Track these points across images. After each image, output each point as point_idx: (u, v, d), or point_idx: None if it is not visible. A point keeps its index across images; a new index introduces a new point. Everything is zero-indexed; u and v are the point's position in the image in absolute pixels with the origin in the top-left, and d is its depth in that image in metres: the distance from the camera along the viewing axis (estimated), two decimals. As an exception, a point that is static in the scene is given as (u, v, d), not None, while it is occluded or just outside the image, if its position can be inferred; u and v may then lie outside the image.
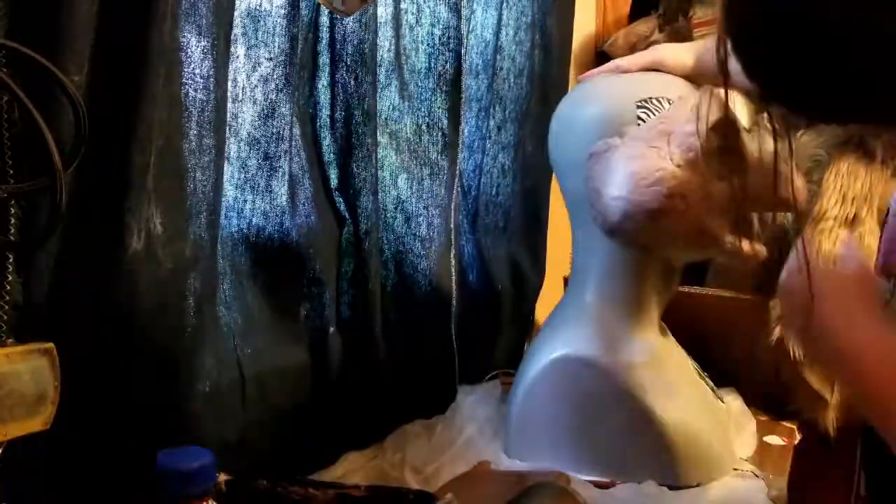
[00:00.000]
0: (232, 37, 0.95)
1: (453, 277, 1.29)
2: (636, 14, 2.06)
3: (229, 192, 1.03)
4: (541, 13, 1.51)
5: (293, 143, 1.08)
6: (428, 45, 1.24)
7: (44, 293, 0.74)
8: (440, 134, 1.25)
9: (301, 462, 1.03)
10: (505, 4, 1.45)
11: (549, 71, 1.54)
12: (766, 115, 1.88)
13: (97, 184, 0.77)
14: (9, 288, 0.70)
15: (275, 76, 1.05)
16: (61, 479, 0.77)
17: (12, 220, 0.69)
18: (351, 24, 1.12)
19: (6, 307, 0.70)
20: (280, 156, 1.07)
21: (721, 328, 1.30)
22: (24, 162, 0.70)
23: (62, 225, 0.74)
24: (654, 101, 1.03)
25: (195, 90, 0.89)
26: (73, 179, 0.74)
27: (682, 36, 1.94)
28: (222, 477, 0.80)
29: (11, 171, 0.69)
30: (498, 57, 1.45)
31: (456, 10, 1.23)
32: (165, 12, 0.79)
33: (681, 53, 1.09)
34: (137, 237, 0.79)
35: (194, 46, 0.88)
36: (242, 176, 1.05)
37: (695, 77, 1.07)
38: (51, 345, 0.64)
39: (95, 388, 0.78)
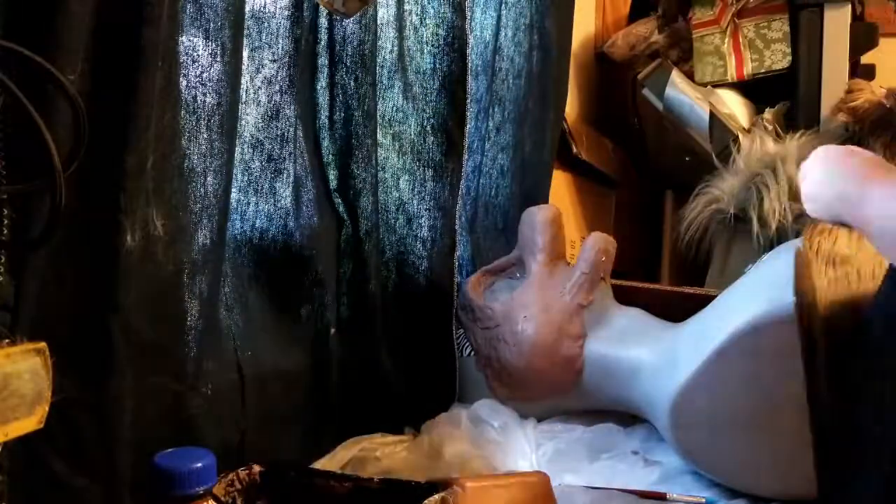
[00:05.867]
0: (234, 40, 0.95)
1: (455, 278, 1.28)
2: (636, 15, 2.07)
3: (233, 194, 1.02)
4: (539, 15, 1.51)
5: (297, 144, 1.08)
6: (433, 45, 1.23)
7: (35, 294, 0.73)
8: (445, 135, 1.25)
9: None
10: (503, 6, 1.45)
11: (547, 72, 1.54)
12: (764, 115, 1.89)
13: (90, 184, 0.76)
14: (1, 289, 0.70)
15: (279, 78, 1.05)
16: (61, 479, 0.77)
17: (5, 221, 0.69)
18: (351, 25, 1.12)
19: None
20: (285, 158, 1.07)
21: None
22: (22, 163, 0.69)
23: (60, 226, 0.73)
24: None
25: (204, 94, 0.89)
26: (67, 179, 0.74)
27: (682, 36, 1.95)
28: (256, 468, 0.82)
29: (6, 172, 0.69)
30: (497, 58, 1.45)
31: (460, 9, 1.22)
32: (162, 12, 0.79)
33: None
34: (131, 237, 0.79)
35: (202, 49, 0.88)
36: (246, 178, 1.05)
37: None
38: (43, 344, 0.64)
39: (95, 388, 0.78)
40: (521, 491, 0.91)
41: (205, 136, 0.89)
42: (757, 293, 1.01)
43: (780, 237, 1.49)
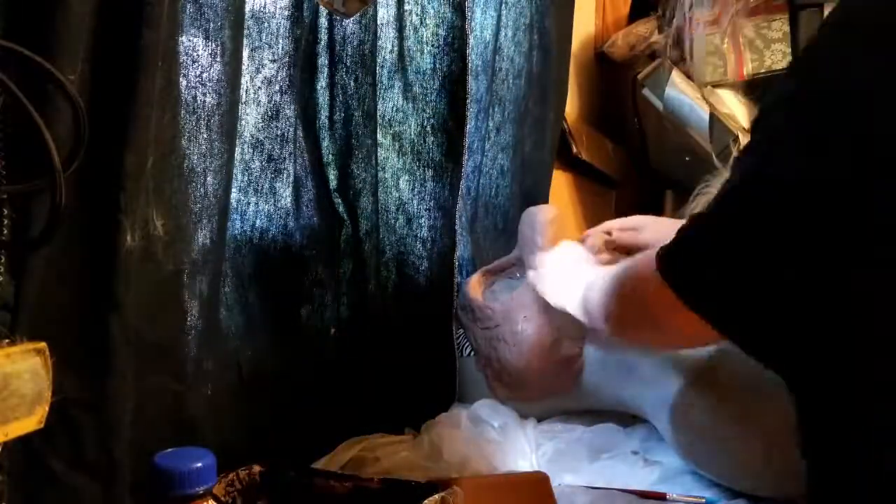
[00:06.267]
0: (235, 40, 0.95)
1: (455, 278, 1.29)
2: (636, 15, 2.06)
3: (233, 194, 1.03)
4: (539, 15, 1.51)
5: (297, 144, 1.09)
6: (433, 45, 1.23)
7: (35, 294, 0.73)
8: (445, 135, 1.25)
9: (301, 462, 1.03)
10: (503, 6, 1.45)
11: (547, 72, 1.54)
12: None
13: (90, 184, 0.76)
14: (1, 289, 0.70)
15: (279, 78, 1.05)
16: (61, 479, 0.77)
17: (5, 221, 0.69)
18: (351, 25, 1.12)
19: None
20: (285, 158, 1.07)
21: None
22: (21, 163, 0.69)
23: (60, 226, 0.73)
24: None
25: (204, 94, 0.89)
26: (67, 179, 0.74)
27: (682, 37, 1.95)
28: (256, 468, 0.82)
29: (6, 172, 0.69)
30: (497, 58, 1.45)
31: (460, 10, 1.23)
32: (162, 12, 0.79)
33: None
34: (131, 237, 0.79)
35: (202, 49, 0.88)
36: (246, 178, 1.05)
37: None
38: (43, 344, 0.64)
39: (95, 388, 0.78)
40: (521, 491, 0.91)
41: (205, 136, 0.90)
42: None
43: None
